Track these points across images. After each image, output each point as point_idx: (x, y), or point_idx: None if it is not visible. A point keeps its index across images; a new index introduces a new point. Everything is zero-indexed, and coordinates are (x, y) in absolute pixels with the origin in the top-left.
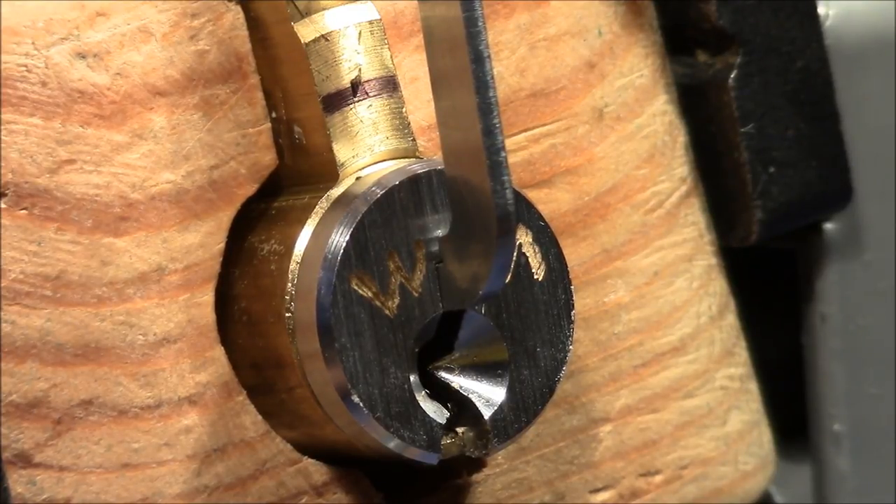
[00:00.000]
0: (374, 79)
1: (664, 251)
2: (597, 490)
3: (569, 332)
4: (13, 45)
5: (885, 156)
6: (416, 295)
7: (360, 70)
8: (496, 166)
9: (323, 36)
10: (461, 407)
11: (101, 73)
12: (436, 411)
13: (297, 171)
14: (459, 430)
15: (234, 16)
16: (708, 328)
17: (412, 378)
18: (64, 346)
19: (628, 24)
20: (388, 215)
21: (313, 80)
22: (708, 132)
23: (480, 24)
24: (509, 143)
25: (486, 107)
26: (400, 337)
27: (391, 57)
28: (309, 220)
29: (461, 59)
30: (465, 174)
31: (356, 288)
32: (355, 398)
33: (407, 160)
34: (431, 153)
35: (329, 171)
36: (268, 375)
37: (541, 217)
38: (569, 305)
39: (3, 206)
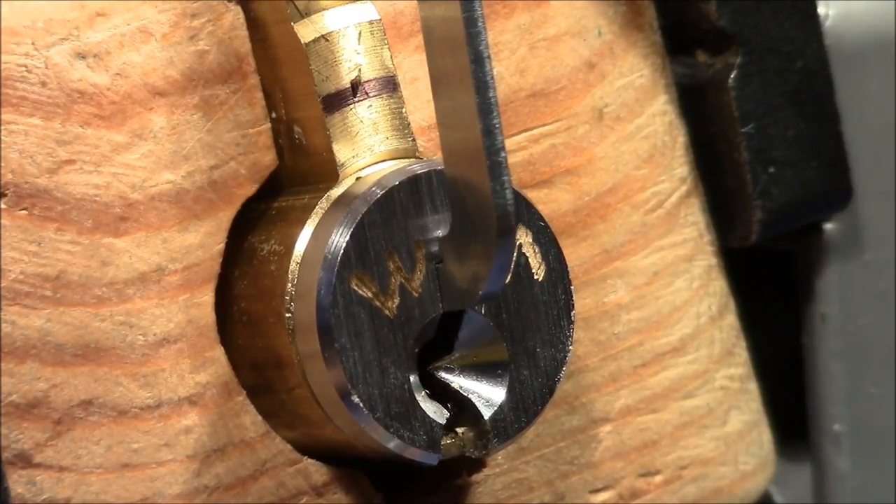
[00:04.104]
0: (374, 79)
1: (664, 251)
2: (597, 490)
3: (569, 332)
4: (13, 45)
5: (885, 156)
6: (416, 295)
7: (359, 70)
8: (496, 166)
9: (323, 36)
10: (461, 407)
11: (100, 73)
12: (436, 411)
13: (297, 172)
14: (459, 430)
15: (234, 16)
16: (708, 328)
17: (412, 378)
18: (64, 346)
19: (628, 24)
20: (388, 215)
21: (313, 80)
22: (708, 132)
23: (480, 24)
24: (509, 143)
25: (485, 107)
26: (400, 337)
27: (391, 57)
28: (309, 221)
29: (461, 59)
30: (465, 174)
31: (356, 288)
32: (355, 398)
33: (407, 160)
34: (431, 153)
35: (329, 172)
36: (268, 376)
37: (541, 217)
38: (569, 305)
39: (3, 206)
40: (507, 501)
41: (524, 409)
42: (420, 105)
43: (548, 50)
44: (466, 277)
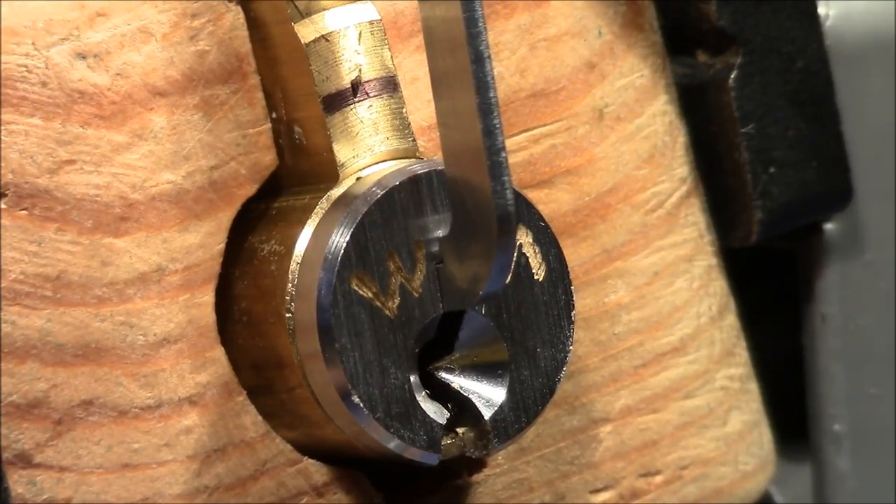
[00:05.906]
0: (375, 79)
1: (664, 251)
2: (597, 490)
3: (569, 332)
4: (13, 45)
5: (885, 156)
6: (416, 295)
7: (360, 70)
8: (496, 166)
9: (323, 36)
10: (461, 407)
11: (101, 73)
12: (436, 412)
13: (297, 172)
14: (460, 430)
15: (234, 16)
16: (708, 328)
17: (412, 378)
18: (64, 346)
19: (628, 24)
20: (389, 216)
21: (313, 80)
22: (708, 132)
23: (481, 24)
24: (509, 143)
25: (486, 107)
26: (400, 337)
27: (391, 57)
28: (309, 221)
29: (461, 59)
30: (466, 174)
31: (356, 288)
32: (355, 399)
33: (407, 160)
34: (431, 153)
35: (329, 172)
36: (268, 376)
37: (541, 217)
38: (569, 306)
39: (3, 206)
40: (508, 501)
41: (524, 409)
42: (420, 105)
43: (548, 50)
44: (467, 277)
